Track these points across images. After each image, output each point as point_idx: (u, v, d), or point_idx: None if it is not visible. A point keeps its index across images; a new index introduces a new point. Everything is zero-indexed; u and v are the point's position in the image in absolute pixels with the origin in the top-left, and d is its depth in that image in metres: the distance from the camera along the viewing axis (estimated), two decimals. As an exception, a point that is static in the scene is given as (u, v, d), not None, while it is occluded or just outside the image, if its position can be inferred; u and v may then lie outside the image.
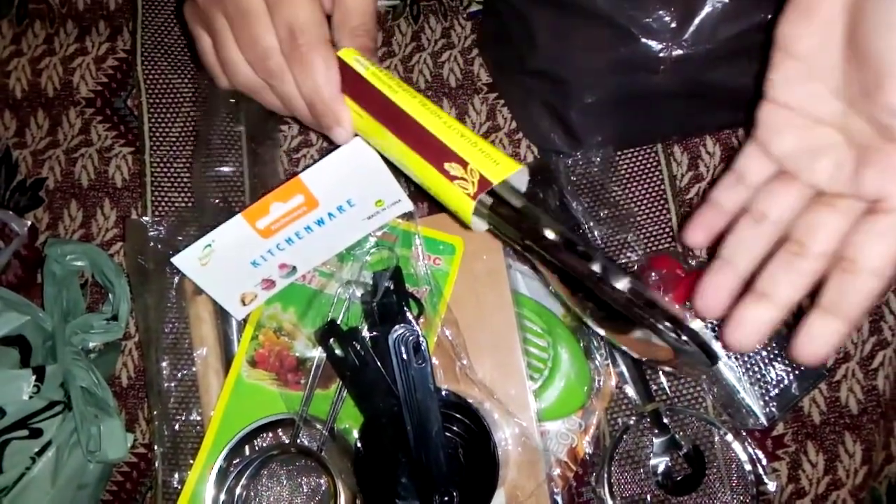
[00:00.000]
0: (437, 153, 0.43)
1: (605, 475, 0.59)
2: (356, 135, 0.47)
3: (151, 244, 0.62)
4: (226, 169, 0.66)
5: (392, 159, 0.47)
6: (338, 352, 0.56)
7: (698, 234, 0.43)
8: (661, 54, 0.56)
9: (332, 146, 0.48)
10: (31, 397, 0.55)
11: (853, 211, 0.38)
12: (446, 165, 0.43)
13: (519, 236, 0.42)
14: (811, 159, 0.40)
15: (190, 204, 0.68)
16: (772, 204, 0.41)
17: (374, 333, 0.56)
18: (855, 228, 0.37)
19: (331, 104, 0.44)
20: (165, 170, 0.69)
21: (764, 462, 0.60)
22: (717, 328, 0.59)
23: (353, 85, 0.45)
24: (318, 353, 0.58)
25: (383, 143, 0.46)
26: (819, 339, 0.37)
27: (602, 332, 0.44)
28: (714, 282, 0.41)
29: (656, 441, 0.60)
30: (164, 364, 0.62)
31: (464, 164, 0.42)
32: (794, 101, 0.40)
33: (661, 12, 0.55)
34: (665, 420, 0.60)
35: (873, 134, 0.37)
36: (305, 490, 0.59)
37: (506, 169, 0.42)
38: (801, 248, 0.39)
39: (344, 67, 0.45)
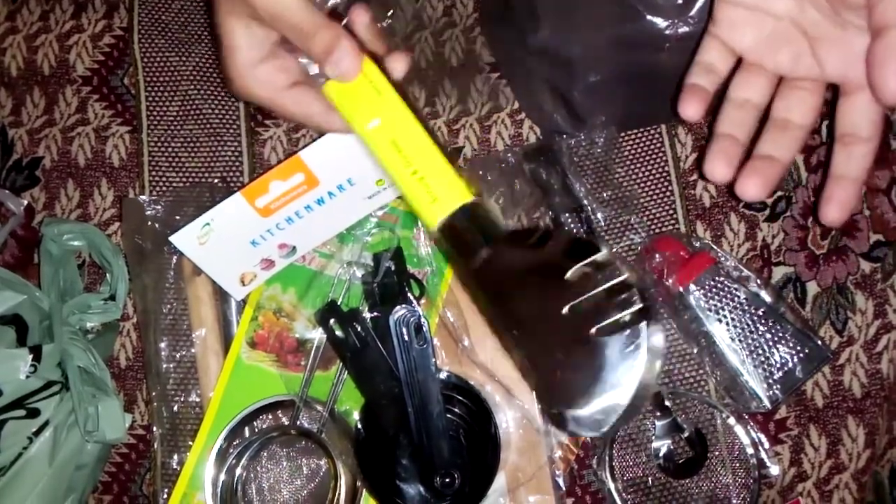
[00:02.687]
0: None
1: (607, 458, 0.59)
2: None
3: (149, 223, 0.62)
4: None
5: None
6: (338, 333, 0.56)
7: (692, 106, 0.45)
8: (667, 32, 0.55)
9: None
10: (27, 377, 0.54)
11: (821, 88, 0.43)
12: None
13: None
14: (771, 50, 0.44)
15: (188, 183, 0.67)
16: (748, 91, 0.45)
17: (375, 314, 0.56)
18: (842, 108, 0.41)
19: None
20: (163, 149, 0.68)
21: (766, 445, 0.60)
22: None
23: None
24: (318, 335, 0.58)
25: None
26: (841, 202, 0.41)
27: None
28: (719, 149, 0.44)
29: (658, 424, 0.59)
30: (162, 345, 0.62)
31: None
32: (749, 2, 0.43)
33: (666, -12, 0.54)
34: (667, 403, 0.59)
35: (827, 24, 0.41)
36: (305, 472, 0.59)
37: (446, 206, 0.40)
38: (786, 124, 0.43)
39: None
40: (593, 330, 0.34)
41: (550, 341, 0.37)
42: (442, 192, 0.40)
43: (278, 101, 0.46)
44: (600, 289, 0.34)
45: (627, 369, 0.33)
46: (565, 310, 0.35)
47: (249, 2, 0.40)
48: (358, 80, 0.42)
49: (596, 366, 0.33)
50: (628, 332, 0.33)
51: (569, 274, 0.35)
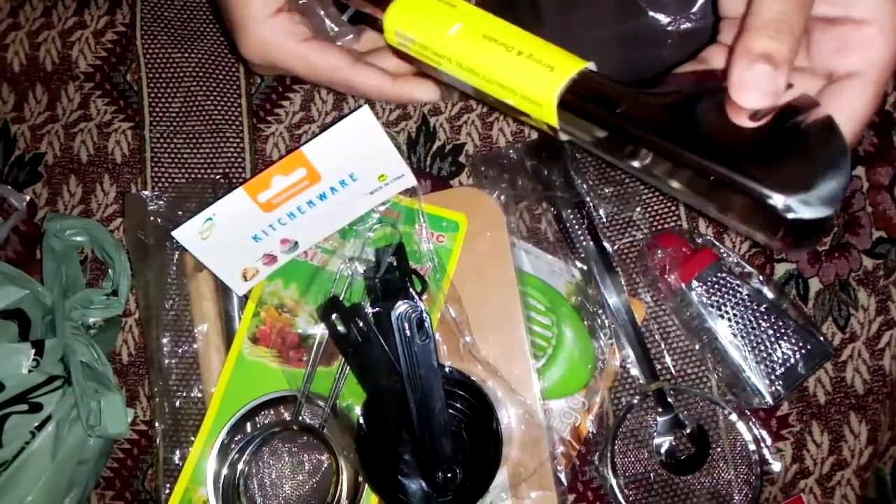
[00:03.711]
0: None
1: (609, 454, 0.59)
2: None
3: (151, 219, 0.62)
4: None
5: None
6: (340, 328, 0.56)
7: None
8: (669, 28, 0.55)
9: (335, 121, 0.48)
10: (30, 371, 0.55)
11: (816, 80, 0.41)
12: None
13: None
14: None
15: (190, 179, 0.67)
16: None
17: (377, 310, 0.56)
18: (823, 94, 0.40)
19: (397, 96, 0.48)
20: (165, 145, 0.68)
21: (768, 442, 0.60)
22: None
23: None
24: (320, 330, 0.58)
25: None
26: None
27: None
28: None
29: (660, 420, 0.59)
30: (164, 340, 0.62)
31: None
32: None
33: (669, -17, 0.54)
34: (669, 399, 0.59)
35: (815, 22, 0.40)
36: (307, 467, 0.59)
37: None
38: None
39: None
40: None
41: (747, 145, 0.36)
42: (557, 61, 0.41)
43: (301, 50, 0.45)
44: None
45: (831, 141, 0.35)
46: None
47: None
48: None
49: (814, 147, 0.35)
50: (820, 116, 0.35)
51: None
